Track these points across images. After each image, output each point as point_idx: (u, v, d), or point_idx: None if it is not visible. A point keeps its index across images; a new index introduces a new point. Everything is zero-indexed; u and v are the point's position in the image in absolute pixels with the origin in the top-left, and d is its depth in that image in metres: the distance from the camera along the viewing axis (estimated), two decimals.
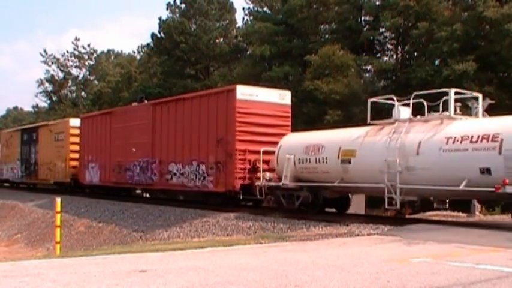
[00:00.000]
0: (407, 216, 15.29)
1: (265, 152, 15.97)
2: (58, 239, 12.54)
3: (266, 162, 16.11)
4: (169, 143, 18.88)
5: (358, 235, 10.44)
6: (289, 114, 17.40)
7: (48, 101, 66.80)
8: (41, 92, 65.99)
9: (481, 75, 24.43)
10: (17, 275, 6.38)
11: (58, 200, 12.52)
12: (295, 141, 15.44)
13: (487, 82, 24.40)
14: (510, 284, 5.62)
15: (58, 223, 12.49)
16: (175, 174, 18.46)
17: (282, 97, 17.24)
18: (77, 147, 26.27)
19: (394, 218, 15.19)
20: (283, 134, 16.33)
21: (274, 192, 15.76)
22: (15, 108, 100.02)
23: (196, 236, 13.85)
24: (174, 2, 44.72)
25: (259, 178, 15.74)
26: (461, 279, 5.76)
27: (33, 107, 73.62)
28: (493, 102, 15.17)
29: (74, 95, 65.31)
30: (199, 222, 16.20)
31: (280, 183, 14.97)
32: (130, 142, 20.98)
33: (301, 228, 12.57)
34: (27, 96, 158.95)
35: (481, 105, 12.80)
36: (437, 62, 27.28)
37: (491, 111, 14.28)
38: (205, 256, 8.21)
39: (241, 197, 16.64)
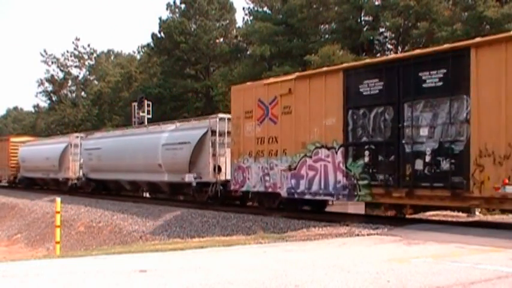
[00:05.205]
0: (407, 216, 15.32)
1: None
2: (58, 239, 12.53)
3: None
4: None
5: (358, 235, 10.43)
6: None
7: (48, 101, 66.88)
8: (41, 92, 66.15)
9: None
10: (17, 275, 6.38)
11: (58, 200, 12.52)
12: None
13: None
14: (510, 284, 5.61)
15: (58, 223, 12.49)
16: None
17: None
18: None
19: (394, 218, 15.24)
20: None
21: None
22: (15, 108, 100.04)
23: (196, 236, 13.85)
24: (174, 2, 44.75)
25: None
26: (461, 279, 5.75)
27: (33, 106, 73.73)
28: None
29: (74, 95, 65.36)
30: (199, 222, 16.21)
31: None
32: None
33: (301, 228, 12.57)
34: (27, 96, 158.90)
35: None
36: None
37: None
38: (205, 256, 8.21)
39: None
